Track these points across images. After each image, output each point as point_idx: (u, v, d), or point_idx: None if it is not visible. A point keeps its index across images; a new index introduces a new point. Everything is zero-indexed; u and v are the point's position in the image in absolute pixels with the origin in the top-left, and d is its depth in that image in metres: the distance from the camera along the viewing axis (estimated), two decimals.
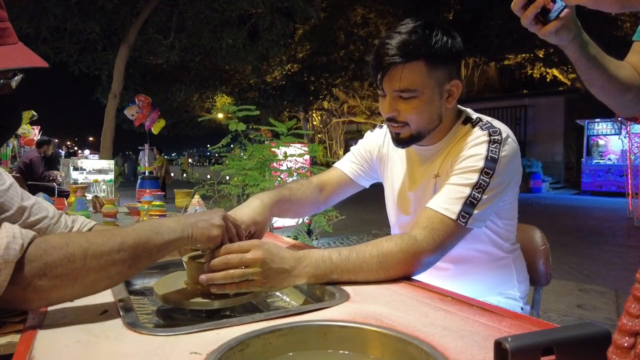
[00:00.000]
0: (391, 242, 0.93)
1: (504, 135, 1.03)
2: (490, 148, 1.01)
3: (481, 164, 1.00)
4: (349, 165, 1.36)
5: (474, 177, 0.99)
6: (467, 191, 0.98)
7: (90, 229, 1.12)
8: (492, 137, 1.02)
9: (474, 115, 1.14)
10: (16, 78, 0.81)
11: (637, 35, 0.97)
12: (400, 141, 1.12)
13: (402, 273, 0.93)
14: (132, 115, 9.76)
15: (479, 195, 0.98)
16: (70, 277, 0.66)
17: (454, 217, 0.97)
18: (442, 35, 1.02)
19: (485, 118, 1.11)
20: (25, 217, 1.02)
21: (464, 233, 1.00)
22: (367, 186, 1.40)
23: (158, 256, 0.77)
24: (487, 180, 0.99)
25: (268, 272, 0.80)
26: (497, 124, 1.08)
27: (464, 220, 0.97)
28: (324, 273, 0.87)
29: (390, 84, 1.04)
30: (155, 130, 10.07)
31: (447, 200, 0.99)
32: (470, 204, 0.98)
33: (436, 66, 1.03)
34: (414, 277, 0.96)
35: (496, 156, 1.00)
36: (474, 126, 1.08)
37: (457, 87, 1.08)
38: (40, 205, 1.07)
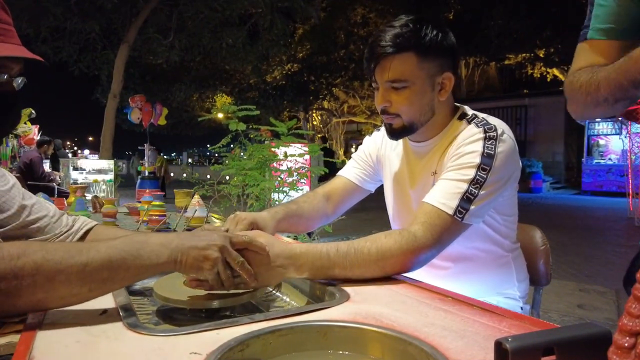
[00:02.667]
0: (390, 238, 0.93)
1: (499, 132, 1.03)
2: (486, 144, 1.01)
3: (477, 160, 1.00)
4: (353, 171, 1.36)
5: (470, 173, 0.99)
6: (464, 187, 0.98)
7: (90, 230, 1.12)
8: (487, 134, 1.02)
9: (470, 112, 1.15)
10: (19, 81, 0.83)
11: (593, 33, 0.88)
12: (393, 133, 1.13)
13: (399, 270, 0.93)
14: (139, 119, 9.86)
15: (476, 191, 0.98)
16: (14, 293, 0.61)
17: (450, 212, 0.97)
18: (432, 29, 1.04)
19: (481, 115, 1.12)
20: (24, 216, 1.03)
21: (461, 229, 1.00)
22: (373, 190, 1.40)
23: (134, 279, 0.70)
24: (484, 176, 0.99)
25: (259, 270, 0.81)
26: (493, 120, 1.08)
27: (460, 216, 0.97)
28: (319, 270, 0.87)
29: (381, 74, 1.07)
30: (161, 121, 10.23)
31: (444, 195, 0.99)
32: (467, 199, 0.98)
33: (426, 58, 1.04)
34: (414, 277, 0.96)
35: (492, 152, 1.00)
36: (469, 123, 1.09)
37: (449, 79, 1.09)
38: (41, 204, 1.08)
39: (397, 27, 1.04)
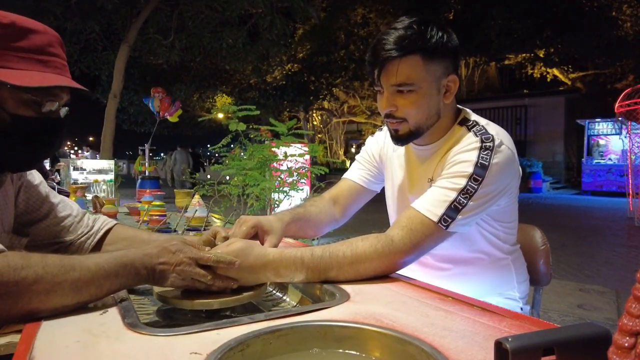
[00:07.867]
0: (367, 241, 0.93)
1: (496, 142, 1.00)
2: (481, 155, 0.99)
3: (470, 169, 0.98)
4: (358, 173, 1.35)
5: (461, 182, 0.98)
6: (452, 195, 0.97)
7: (110, 229, 1.13)
8: (484, 144, 1.00)
9: (472, 117, 1.12)
10: (64, 110, 0.91)
11: None
12: (399, 138, 1.11)
13: (373, 273, 0.93)
14: (158, 107, 10.05)
15: (465, 201, 0.97)
16: (12, 299, 0.67)
17: (435, 219, 0.96)
18: (437, 31, 1.03)
19: (482, 122, 1.09)
20: (52, 215, 1.06)
21: (444, 236, 0.99)
22: (379, 190, 1.38)
23: (116, 291, 0.78)
24: (475, 186, 0.97)
25: (236, 275, 0.82)
26: (493, 129, 1.06)
27: (445, 224, 0.96)
28: (294, 274, 0.88)
29: (387, 78, 1.04)
30: (173, 118, 10.55)
31: (431, 202, 0.98)
32: (454, 208, 0.97)
33: (432, 60, 1.03)
34: (412, 277, 0.96)
35: (487, 163, 0.98)
36: (469, 130, 1.07)
37: (454, 82, 1.08)
38: (66, 203, 1.10)
39: (401, 30, 1.02)
